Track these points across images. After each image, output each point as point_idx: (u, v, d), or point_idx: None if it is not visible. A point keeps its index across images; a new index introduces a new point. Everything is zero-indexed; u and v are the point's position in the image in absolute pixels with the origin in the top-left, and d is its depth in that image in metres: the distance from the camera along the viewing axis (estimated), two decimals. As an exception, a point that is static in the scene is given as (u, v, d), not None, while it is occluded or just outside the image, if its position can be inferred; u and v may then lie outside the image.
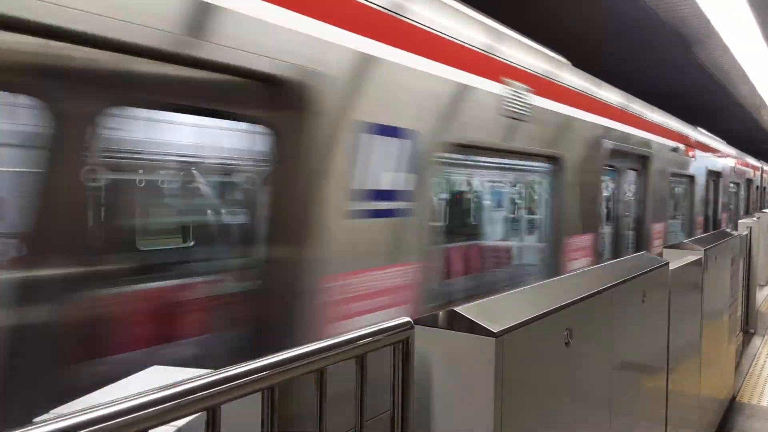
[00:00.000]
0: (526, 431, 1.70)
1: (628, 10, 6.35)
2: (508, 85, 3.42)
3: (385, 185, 2.45)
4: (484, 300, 1.75)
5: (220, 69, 1.82)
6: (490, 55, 3.29)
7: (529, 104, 3.67)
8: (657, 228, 6.85)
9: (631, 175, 6.42)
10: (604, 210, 5.89)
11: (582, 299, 2.05)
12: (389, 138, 2.48)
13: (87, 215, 1.65)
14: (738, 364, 6.13)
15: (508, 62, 3.46)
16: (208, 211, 3.70)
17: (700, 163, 9.26)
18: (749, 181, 15.94)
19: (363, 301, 2.30)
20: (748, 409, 5.26)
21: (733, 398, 5.39)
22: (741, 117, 14.62)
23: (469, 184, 5.48)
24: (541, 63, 4.00)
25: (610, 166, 5.65)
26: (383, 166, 2.44)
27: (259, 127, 2.09)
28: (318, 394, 1.26)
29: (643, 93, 7.56)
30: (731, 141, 13.07)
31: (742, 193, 14.70)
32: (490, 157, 3.86)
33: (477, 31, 3.21)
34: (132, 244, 3.77)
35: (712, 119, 13.23)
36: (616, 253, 6.03)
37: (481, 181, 5.48)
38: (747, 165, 15.27)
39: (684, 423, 3.63)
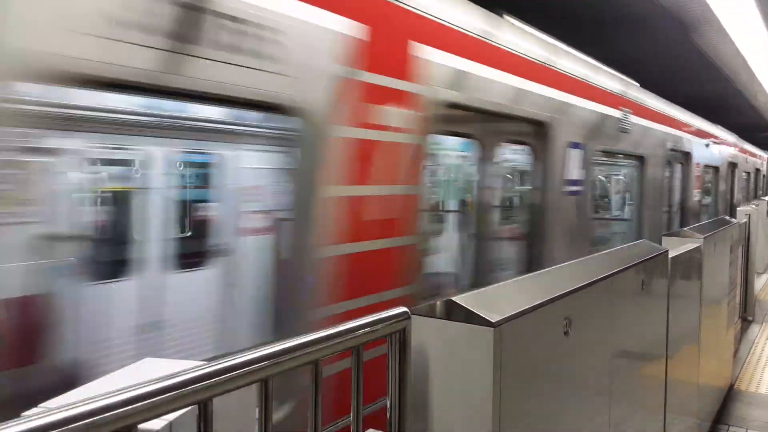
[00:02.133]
0: (525, 421, 1.69)
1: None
2: None
3: None
4: (482, 289, 1.73)
5: None
6: None
7: None
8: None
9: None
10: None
11: (581, 288, 2.03)
12: None
13: None
14: (736, 352, 6.14)
15: None
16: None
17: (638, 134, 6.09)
18: (732, 166, 12.66)
19: None
20: (746, 397, 5.27)
21: (731, 386, 5.40)
22: (741, 105, 14.56)
23: None
24: None
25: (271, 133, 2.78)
26: None
27: None
28: (313, 386, 1.24)
29: (641, 79, 7.51)
30: (730, 128, 13.01)
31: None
32: None
33: None
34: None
35: (710, 107, 13.18)
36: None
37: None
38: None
39: (683, 410, 3.64)
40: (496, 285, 1.82)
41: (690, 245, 3.73)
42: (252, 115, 3.39)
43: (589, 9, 6.81)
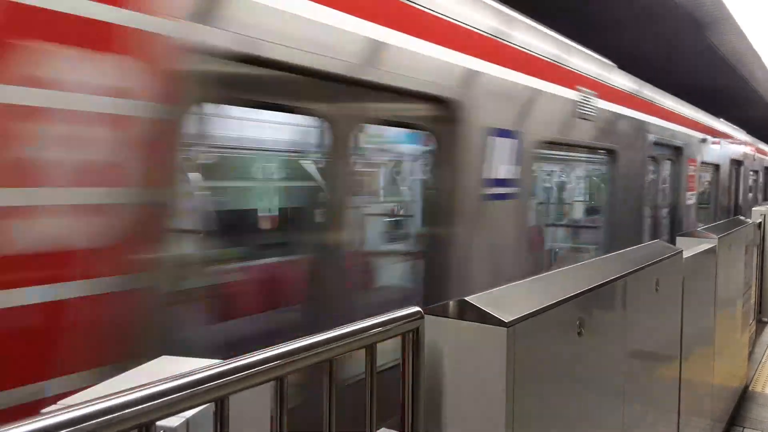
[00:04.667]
0: (538, 421, 1.69)
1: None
2: None
3: None
4: (495, 289, 1.73)
5: None
6: None
7: None
8: None
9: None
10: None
11: (594, 288, 2.02)
12: None
13: None
14: (751, 353, 6.08)
15: None
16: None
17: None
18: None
19: None
20: (761, 398, 5.21)
21: (746, 387, 5.34)
22: (756, 102, 14.37)
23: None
24: None
25: None
26: None
27: None
28: (328, 384, 1.25)
29: (654, 78, 7.45)
30: (746, 127, 12.83)
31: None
32: None
33: None
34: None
35: (725, 104, 13.03)
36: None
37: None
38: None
39: (697, 412, 3.61)
40: (509, 285, 1.82)
41: (705, 245, 3.70)
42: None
43: (601, 7, 6.76)
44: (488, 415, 1.50)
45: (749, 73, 10.66)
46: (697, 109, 8.84)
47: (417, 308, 1.45)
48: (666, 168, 7.42)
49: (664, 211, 7.51)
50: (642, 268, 2.51)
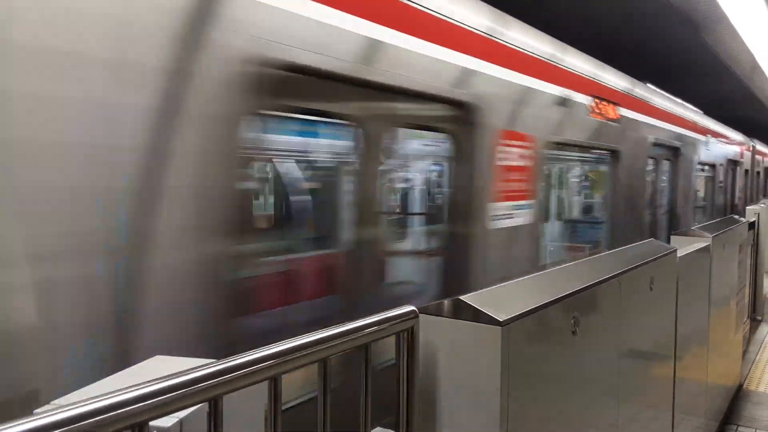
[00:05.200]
0: (532, 420, 1.69)
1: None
2: None
3: None
4: (489, 288, 1.73)
5: None
6: None
7: None
8: None
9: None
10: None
11: (589, 287, 2.03)
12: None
13: None
14: (745, 352, 6.11)
15: None
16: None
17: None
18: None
19: None
20: (755, 397, 5.24)
21: (740, 386, 5.37)
22: (751, 104, 14.45)
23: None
24: None
25: None
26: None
27: None
28: (322, 384, 1.25)
29: (649, 76, 7.47)
30: (740, 129, 12.87)
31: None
32: None
33: None
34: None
35: (720, 106, 13.08)
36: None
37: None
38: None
39: (691, 410, 3.62)
40: (503, 284, 1.83)
41: (699, 244, 3.71)
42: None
43: (596, 8, 6.78)
44: (483, 413, 1.51)
45: (742, 73, 10.71)
46: (554, 41, 4.60)
47: (411, 307, 1.45)
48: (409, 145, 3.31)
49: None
50: (636, 267, 2.52)
